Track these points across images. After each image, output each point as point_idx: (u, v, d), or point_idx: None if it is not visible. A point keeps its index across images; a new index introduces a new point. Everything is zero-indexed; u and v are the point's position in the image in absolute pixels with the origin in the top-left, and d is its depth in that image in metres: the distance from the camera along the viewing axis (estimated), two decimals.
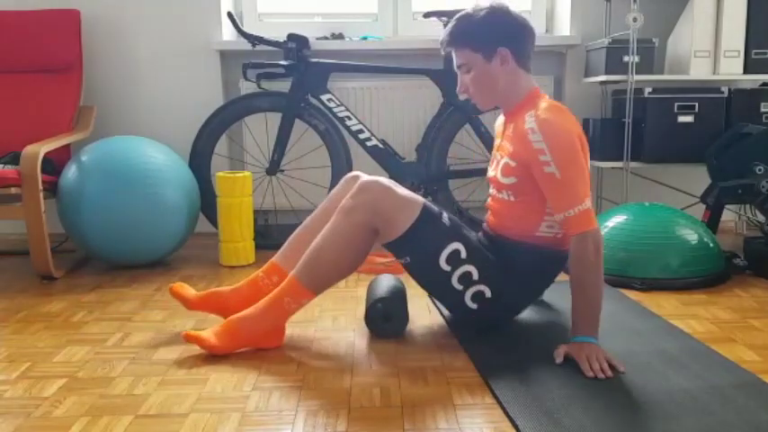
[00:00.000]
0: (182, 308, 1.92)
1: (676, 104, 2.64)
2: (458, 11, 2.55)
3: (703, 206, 2.44)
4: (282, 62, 2.55)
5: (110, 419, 1.25)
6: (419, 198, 1.56)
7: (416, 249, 1.55)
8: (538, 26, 3.04)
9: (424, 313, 1.86)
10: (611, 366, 1.42)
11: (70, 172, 2.28)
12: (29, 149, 2.16)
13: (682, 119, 2.65)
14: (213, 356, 1.55)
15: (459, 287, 1.57)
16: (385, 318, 1.66)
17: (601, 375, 1.38)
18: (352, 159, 2.65)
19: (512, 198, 1.59)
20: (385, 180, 1.55)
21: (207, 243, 2.79)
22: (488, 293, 1.58)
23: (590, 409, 1.25)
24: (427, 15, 2.59)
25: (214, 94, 2.87)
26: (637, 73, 2.60)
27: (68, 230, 2.31)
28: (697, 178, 3.03)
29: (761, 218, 2.74)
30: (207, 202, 2.60)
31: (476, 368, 1.47)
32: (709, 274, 2.08)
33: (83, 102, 2.82)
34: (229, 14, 2.52)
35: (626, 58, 2.62)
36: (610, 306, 1.86)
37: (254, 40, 2.52)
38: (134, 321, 1.81)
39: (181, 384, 1.40)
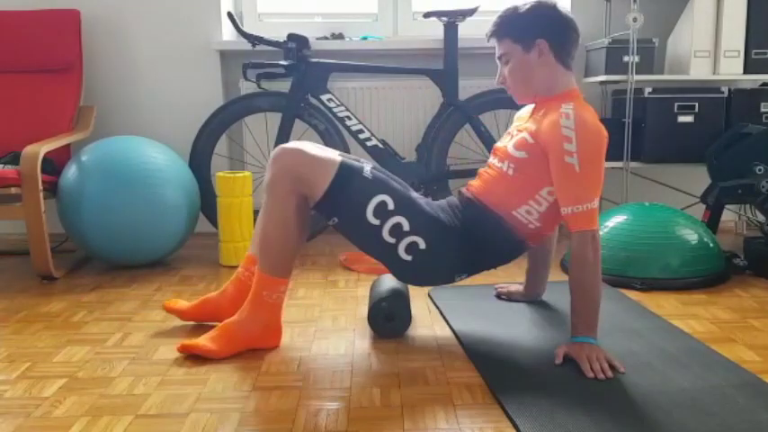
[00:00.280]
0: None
1: (676, 104, 2.64)
2: (458, 11, 2.56)
3: (703, 206, 2.44)
4: (282, 62, 2.54)
5: (110, 419, 1.25)
6: (336, 155, 1.53)
7: (341, 207, 1.51)
8: None
9: (424, 313, 1.86)
10: (612, 366, 1.42)
11: (70, 172, 2.28)
12: (29, 149, 2.16)
13: (682, 119, 2.65)
14: (211, 357, 1.55)
15: (392, 240, 1.53)
16: (388, 317, 1.66)
17: (601, 376, 1.38)
18: None
19: (510, 171, 1.57)
20: (296, 143, 1.52)
21: (207, 243, 2.79)
22: (422, 245, 1.54)
23: (590, 409, 1.25)
24: (427, 15, 2.59)
25: (214, 94, 2.87)
26: (637, 73, 2.60)
27: (68, 230, 2.31)
28: (697, 178, 3.03)
29: (761, 218, 2.74)
30: (207, 202, 2.60)
31: (476, 368, 1.47)
32: (709, 274, 2.08)
33: (83, 102, 2.82)
34: (229, 14, 2.52)
35: (626, 58, 2.62)
36: (610, 306, 1.87)
37: (254, 40, 2.52)
38: (134, 321, 1.81)
39: (181, 384, 1.40)
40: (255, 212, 2.67)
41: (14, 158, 2.36)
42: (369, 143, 2.59)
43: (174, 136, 2.87)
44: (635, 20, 2.51)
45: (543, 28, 1.55)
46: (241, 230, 2.38)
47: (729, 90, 2.66)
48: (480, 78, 2.87)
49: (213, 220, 2.63)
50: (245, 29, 2.94)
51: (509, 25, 1.57)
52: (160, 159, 2.32)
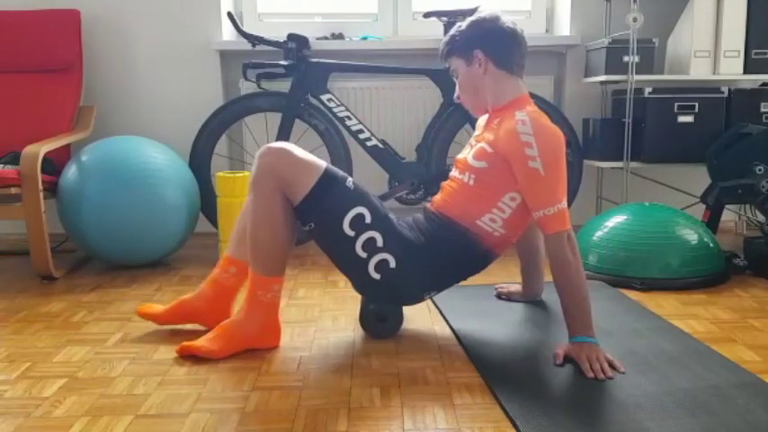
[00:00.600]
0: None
1: (676, 104, 2.64)
2: (458, 11, 2.56)
3: (703, 206, 2.44)
4: (282, 62, 2.54)
5: (110, 419, 1.25)
6: (321, 161, 1.54)
7: (319, 213, 1.51)
8: (538, 26, 3.05)
9: (423, 313, 1.86)
10: (612, 366, 1.43)
11: (70, 172, 2.28)
12: (29, 149, 2.16)
13: (682, 119, 2.65)
14: (211, 358, 1.55)
15: (363, 254, 1.54)
16: (378, 318, 1.66)
17: (601, 376, 1.38)
18: (351, 159, 2.65)
19: (471, 182, 1.59)
20: (283, 144, 1.52)
21: (207, 243, 2.79)
22: (392, 263, 1.55)
23: (590, 410, 1.25)
24: (427, 15, 2.59)
25: (214, 94, 2.87)
26: (637, 73, 2.60)
27: (68, 230, 2.31)
28: (697, 178, 3.03)
29: (761, 218, 2.74)
30: (207, 202, 2.60)
31: (476, 368, 1.47)
32: (709, 274, 2.08)
33: (83, 102, 2.82)
34: (229, 14, 2.52)
35: (626, 58, 2.62)
36: (610, 306, 1.87)
37: (254, 40, 2.52)
38: (134, 321, 1.81)
39: (181, 384, 1.40)
40: (212, 219, 2.66)
41: (14, 158, 2.36)
42: (369, 143, 2.59)
43: (174, 136, 2.87)
44: (635, 20, 2.51)
45: (479, 40, 1.59)
46: None
47: (729, 90, 2.66)
48: None
49: (213, 220, 2.63)
50: (245, 29, 2.94)
51: (453, 43, 1.63)
52: (160, 159, 2.32)
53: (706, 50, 2.65)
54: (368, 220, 1.54)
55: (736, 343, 1.61)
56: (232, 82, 2.93)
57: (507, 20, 1.60)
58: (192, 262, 2.48)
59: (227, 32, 2.89)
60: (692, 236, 2.09)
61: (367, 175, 2.88)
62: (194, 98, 2.87)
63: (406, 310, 1.87)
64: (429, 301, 1.96)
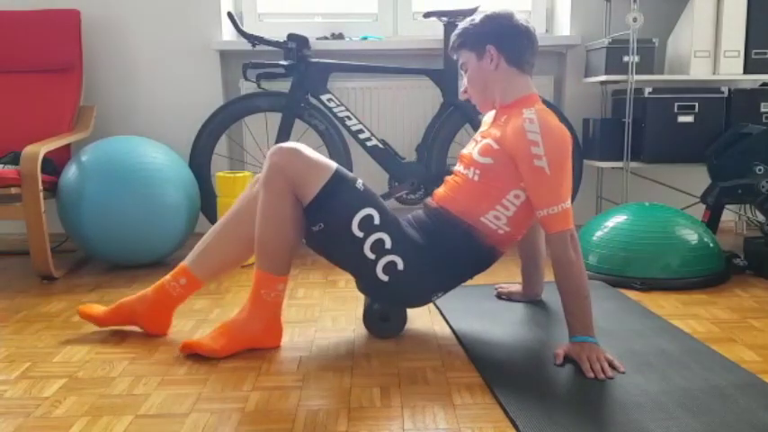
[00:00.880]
0: (182, 308, 1.92)
1: (676, 104, 2.64)
2: (458, 11, 2.56)
3: (703, 206, 2.44)
4: (282, 62, 2.54)
5: (110, 419, 1.25)
6: (331, 162, 1.54)
7: (329, 214, 1.51)
8: (538, 26, 3.05)
9: (423, 313, 1.86)
10: (612, 366, 1.43)
11: (70, 172, 2.28)
12: (29, 149, 2.16)
13: (682, 119, 2.65)
14: (212, 357, 1.55)
15: (372, 256, 1.54)
16: (383, 318, 1.66)
17: (601, 376, 1.38)
18: (351, 159, 2.65)
19: (475, 177, 1.59)
20: (294, 144, 1.53)
21: None
22: (401, 265, 1.55)
23: (590, 410, 1.25)
24: (427, 15, 2.59)
25: (214, 94, 2.87)
26: (637, 73, 2.60)
27: (68, 230, 2.31)
28: (697, 178, 3.03)
29: (761, 218, 2.74)
30: (207, 202, 2.60)
31: (476, 368, 1.47)
32: (710, 274, 2.08)
33: (83, 102, 2.82)
34: (229, 14, 2.52)
35: (626, 58, 2.62)
36: (610, 306, 1.87)
37: (254, 40, 2.52)
38: None
39: (181, 384, 1.40)
40: (212, 219, 2.64)
41: (14, 158, 2.36)
42: (369, 143, 2.59)
43: (174, 136, 2.87)
44: (635, 20, 2.51)
45: (493, 35, 1.59)
46: None
47: (729, 90, 2.66)
48: None
49: (213, 220, 2.63)
50: (245, 29, 2.94)
51: (465, 36, 1.62)
52: (160, 159, 2.32)
53: (706, 50, 2.65)
54: (377, 221, 1.54)
55: (736, 343, 1.61)
56: (232, 82, 2.93)
57: (521, 17, 1.60)
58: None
59: (227, 32, 2.89)
60: (692, 236, 2.09)
61: (367, 175, 2.88)
62: (194, 98, 2.87)
63: (409, 310, 1.87)
64: None
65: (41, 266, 2.19)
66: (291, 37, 2.54)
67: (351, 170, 2.63)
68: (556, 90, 2.98)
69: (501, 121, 1.59)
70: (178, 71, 2.85)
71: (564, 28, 2.94)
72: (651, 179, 3.01)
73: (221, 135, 2.64)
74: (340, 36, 2.89)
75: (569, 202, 1.49)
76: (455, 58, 1.67)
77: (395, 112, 2.90)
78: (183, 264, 1.67)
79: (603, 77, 2.64)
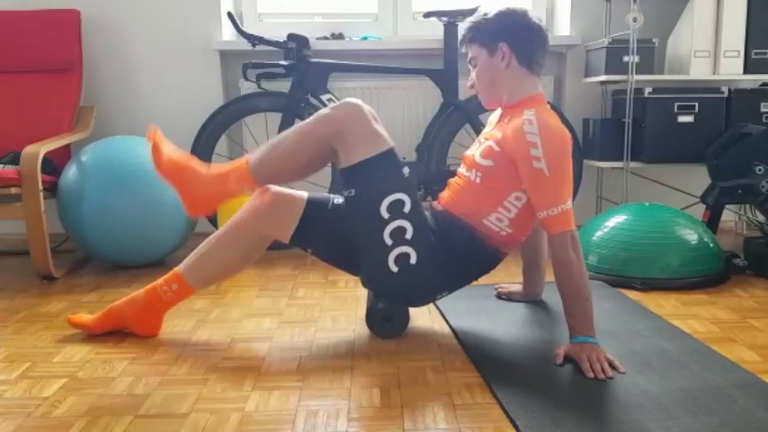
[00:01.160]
0: (181, 308, 1.92)
1: (676, 104, 2.64)
2: (458, 11, 2.56)
3: (703, 206, 2.44)
4: (282, 62, 2.54)
5: (110, 419, 1.25)
6: (390, 141, 1.56)
7: (365, 184, 1.53)
8: None
9: (424, 313, 1.86)
10: (612, 366, 1.42)
11: (70, 172, 2.28)
12: (29, 149, 2.16)
13: (682, 119, 2.65)
14: (212, 357, 1.55)
15: (389, 242, 1.54)
16: (385, 317, 1.66)
17: (601, 376, 1.38)
18: None
19: (478, 180, 1.59)
20: (366, 108, 1.55)
21: None
22: (413, 259, 1.55)
23: (590, 409, 1.25)
24: (427, 15, 2.59)
25: (214, 94, 2.87)
26: (637, 73, 2.60)
27: (68, 230, 2.31)
28: (697, 178, 3.03)
29: (761, 218, 2.74)
30: None
31: (476, 368, 1.47)
32: (709, 274, 2.08)
33: (83, 102, 2.82)
34: (229, 14, 2.52)
35: (626, 58, 2.62)
36: (610, 306, 1.87)
37: (254, 40, 2.52)
38: None
39: (181, 384, 1.40)
40: (212, 220, 2.64)
41: (14, 158, 2.36)
42: None
43: (174, 136, 2.87)
44: (635, 20, 2.51)
45: (507, 32, 1.57)
46: None
47: (729, 90, 2.66)
48: None
49: (213, 220, 2.63)
50: (245, 29, 2.94)
51: (477, 30, 1.60)
52: None
53: (706, 50, 2.65)
54: (406, 209, 1.54)
55: (736, 343, 1.61)
56: (232, 82, 2.93)
57: (534, 16, 1.59)
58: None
59: (227, 32, 2.89)
60: (692, 236, 2.09)
61: None
62: (194, 98, 2.87)
63: (409, 309, 1.87)
64: None
65: (41, 266, 2.19)
66: (291, 37, 2.54)
67: None
68: (556, 90, 2.99)
69: (504, 122, 1.59)
70: (178, 71, 2.85)
71: (564, 28, 2.94)
72: (651, 179, 3.01)
73: (221, 135, 2.64)
74: (340, 36, 2.89)
75: (570, 203, 1.48)
76: (463, 50, 1.66)
77: (395, 112, 2.90)
78: (177, 270, 1.66)
79: (603, 77, 2.64)
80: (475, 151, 1.63)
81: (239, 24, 2.62)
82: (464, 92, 2.73)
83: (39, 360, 1.55)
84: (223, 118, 2.62)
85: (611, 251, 2.11)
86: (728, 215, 3.01)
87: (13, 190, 2.16)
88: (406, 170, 1.57)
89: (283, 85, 2.78)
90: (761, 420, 1.20)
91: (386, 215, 1.53)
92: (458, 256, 1.61)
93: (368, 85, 2.86)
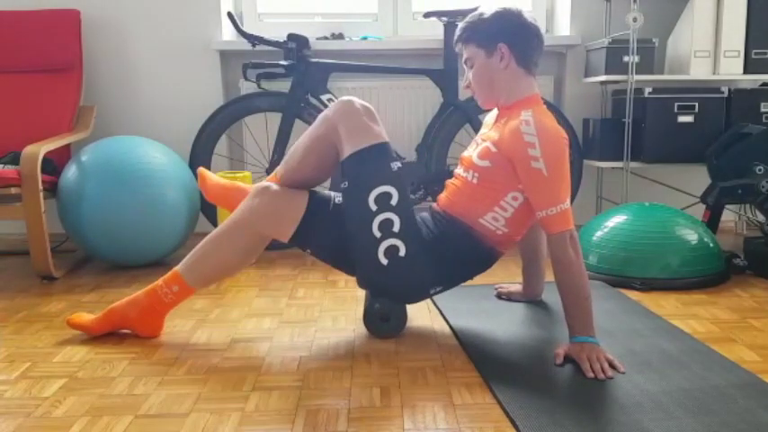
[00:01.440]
0: (181, 308, 1.92)
1: (676, 104, 2.64)
2: (458, 11, 2.56)
3: (703, 206, 2.44)
4: (282, 62, 2.54)
5: (110, 419, 1.25)
6: (384, 136, 1.58)
7: (355, 175, 1.55)
8: None
9: (423, 313, 1.86)
10: (612, 366, 1.43)
11: (70, 172, 2.28)
12: (29, 149, 2.16)
13: (682, 119, 2.65)
14: (212, 357, 1.55)
15: (378, 234, 1.55)
16: (383, 318, 1.66)
17: (601, 376, 1.38)
18: None
19: (474, 180, 1.59)
20: (359, 104, 1.57)
21: None
22: (402, 251, 1.56)
23: (590, 409, 1.25)
24: (427, 15, 2.59)
25: (214, 94, 2.87)
26: (637, 73, 2.60)
27: (68, 230, 2.31)
28: (697, 178, 3.03)
29: (761, 218, 2.74)
30: (207, 202, 2.60)
31: (476, 368, 1.47)
32: (709, 274, 2.08)
33: (83, 102, 2.82)
34: (229, 14, 2.52)
35: (626, 58, 2.62)
36: (610, 306, 1.87)
37: (254, 40, 2.52)
38: None
39: (181, 384, 1.40)
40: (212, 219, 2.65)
41: (14, 158, 2.36)
42: None
43: (174, 136, 2.87)
44: (635, 20, 2.51)
45: (505, 33, 1.57)
46: None
47: (729, 90, 2.66)
48: None
49: (213, 220, 2.63)
50: (245, 29, 2.94)
51: (473, 30, 1.60)
52: (160, 159, 2.32)
53: (706, 50, 2.65)
54: (393, 201, 1.55)
55: (736, 343, 1.61)
56: (232, 82, 2.93)
57: (530, 16, 1.60)
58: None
59: (227, 32, 2.89)
60: (692, 236, 2.09)
61: None
62: (194, 98, 2.87)
63: (408, 309, 1.87)
64: (429, 301, 1.95)
65: (41, 266, 2.19)
66: (291, 37, 2.54)
67: None
68: (556, 90, 2.98)
69: (501, 123, 1.60)
70: (178, 71, 2.85)
71: (564, 28, 2.94)
72: (651, 179, 3.01)
73: (221, 135, 2.64)
74: (340, 36, 2.89)
75: (568, 202, 1.49)
76: (458, 50, 1.66)
77: (395, 112, 2.90)
78: (177, 270, 1.65)
79: (603, 77, 2.64)
80: (472, 152, 1.64)
81: (239, 24, 2.62)
82: (464, 92, 2.73)
83: (39, 360, 1.55)
84: (223, 118, 2.62)
85: (611, 251, 2.11)
86: (728, 215, 3.01)
87: (13, 190, 2.16)
88: (395, 165, 1.57)
89: (283, 85, 2.78)
90: (761, 420, 1.20)
91: (373, 207, 1.55)
92: (453, 254, 1.61)
93: (368, 85, 2.86)
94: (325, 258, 1.66)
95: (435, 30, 2.98)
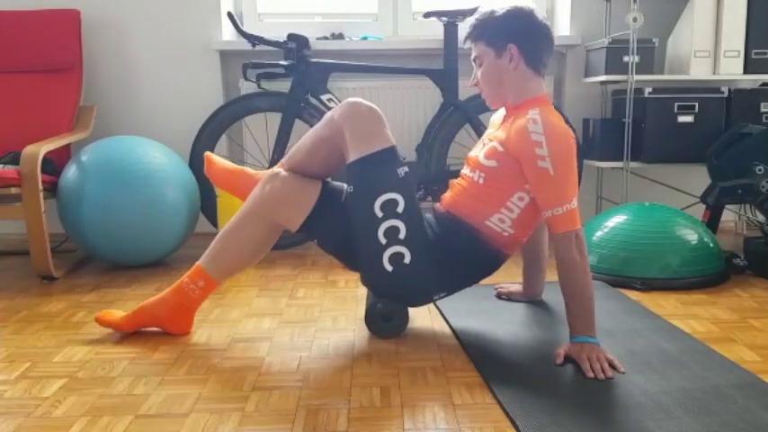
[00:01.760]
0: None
1: (676, 104, 2.64)
2: (458, 11, 2.56)
3: (703, 206, 2.44)
4: (282, 62, 2.54)
5: (110, 419, 1.25)
6: (391, 140, 1.56)
7: (361, 181, 1.54)
8: None
9: (424, 313, 1.86)
10: (612, 366, 1.42)
11: (70, 172, 2.28)
12: (29, 149, 2.16)
13: (682, 119, 2.65)
14: (212, 357, 1.55)
15: (383, 240, 1.54)
16: (384, 318, 1.66)
17: (601, 376, 1.38)
18: None
19: (481, 181, 1.58)
20: (366, 107, 1.55)
21: (207, 243, 2.78)
22: (407, 258, 1.55)
23: (590, 409, 1.25)
24: (427, 15, 2.59)
25: (214, 94, 2.87)
26: (637, 73, 2.60)
27: (68, 230, 2.31)
28: (697, 178, 3.03)
29: (761, 218, 2.74)
30: (207, 202, 2.60)
31: (476, 368, 1.47)
32: (709, 274, 2.08)
33: (83, 102, 2.82)
34: (229, 14, 2.52)
35: (626, 58, 2.62)
36: (610, 306, 1.87)
37: (254, 40, 2.52)
38: None
39: (181, 384, 1.40)
40: (212, 219, 2.65)
41: (14, 158, 2.36)
42: None
43: (174, 136, 2.87)
44: (635, 20, 2.51)
45: (515, 33, 1.56)
46: None
47: (729, 90, 2.66)
48: None
49: (213, 220, 2.63)
50: (245, 29, 2.94)
51: (483, 29, 1.59)
52: (160, 159, 2.32)
53: (706, 50, 2.65)
54: (399, 209, 1.54)
55: (736, 343, 1.61)
56: (232, 82, 2.93)
57: (541, 16, 1.58)
58: (192, 262, 2.47)
59: (227, 32, 2.89)
60: (692, 236, 2.09)
61: None
62: (194, 98, 2.87)
63: (410, 310, 1.87)
64: None
65: (41, 266, 2.19)
66: (291, 37, 2.54)
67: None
68: (556, 90, 2.98)
69: (508, 123, 1.59)
70: (178, 71, 2.85)
71: (564, 28, 2.94)
72: (651, 179, 3.01)
73: (221, 135, 2.64)
74: (340, 36, 2.89)
75: (575, 202, 1.48)
76: (467, 47, 1.65)
77: (395, 112, 2.90)
78: (199, 264, 1.66)
79: (603, 77, 2.64)
80: (478, 152, 1.63)
81: (239, 24, 2.62)
82: (464, 92, 2.73)
83: (39, 360, 1.55)
84: (223, 118, 2.62)
85: (611, 251, 2.11)
86: (728, 215, 3.01)
87: (13, 190, 2.16)
88: (402, 170, 1.56)
89: (283, 85, 2.78)
90: (761, 420, 1.20)
91: (379, 214, 1.54)
92: (458, 257, 1.60)
93: (368, 85, 2.86)
94: (331, 251, 1.65)
95: (435, 30, 2.98)
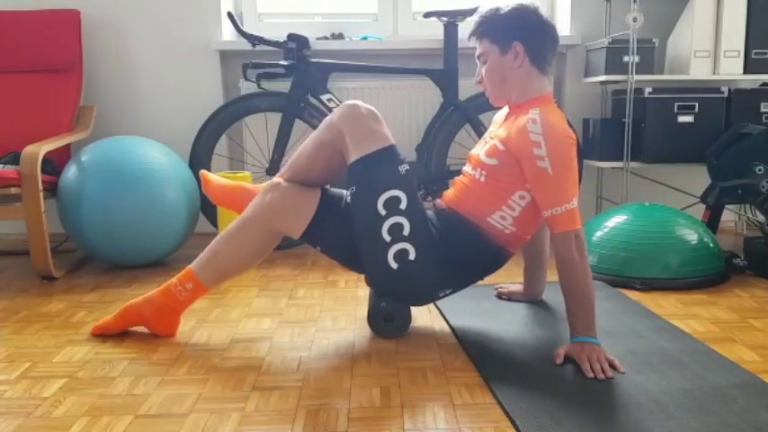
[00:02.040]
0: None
1: (676, 104, 2.64)
2: (458, 11, 2.56)
3: (703, 206, 2.44)
4: (282, 62, 2.54)
5: (110, 419, 1.25)
6: (391, 139, 1.56)
7: (362, 181, 1.54)
8: None
9: (424, 313, 1.86)
10: (612, 366, 1.42)
11: (70, 172, 2.28)
12: (29, 149, 2.16)
13: (682, 119, 2.65)
14: (212, 357, 1.55)
15: (387, 238, 1.54)
16: (387, 318, 1.66)
17: (601, 376, 1.38)
18: None
19: (482, 178, 1.59)
20: (364, 108, 1.55)
21: (207, 243, 2.77)
22: (412, 255, 1.55)
23: (590, 409, 1.25)
24: (427, 15, 2.59)
25: (214, 94, 2.87)
26: (637, 73, 2.60)
27: (68, 230, 2.31)
28: (697, 178, 3.03)
29: (761, 218, 2.74)
30: (207, 202, 2.60)
31: (476, 368, 1.47)
32: (709, 274, 2.08)
33: (83, 102, 2.82)
34: (229, 14, 2.52)
35: (626, 58, 2.62)
36: (610, 306, 1.87)
37: (254, 40, 2.52)
38: None
39: (181, 384, 1.40)
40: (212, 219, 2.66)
41: (14, 158, 2.36)
42: None
43: (174, 136, 2.87)
44: (635, 20, 2.51)
45: (521, 31, 1.56)
46: None
47: (729, 90, 2.66)
48: None
49: (213, 220, 2.63)
50: (245, 29, 2.94)
51: (488, 26, 1.59)
52: (160, 159, 2.32)
53: (706, 50, 2.65)
54: (402, 205, 1.54)
55: (736, 343, 1.61)
56: (232, 82, 2.93)
57: (546, 14, 1.58)
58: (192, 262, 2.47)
59: (227, 32, 2.89)
60: (692, 236, 2.09)
61: None
62: (194, 98, 2.87)
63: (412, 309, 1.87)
64: None
65: (41, 266, 2.19)
66: (291, 37, 2.54)
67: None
68: (556, 90, 2.98)
69: (510, 121, 1.59)
70: (178, 71, 2.85)
71: (564, 28, 2.94)
72: (651, 179, 3.01)
73: (221, 135, 2.64)
74: (340, 36, 2.89)
75: (575, 202, 1.48)
76: (472, 44, 1.64)
77: (395, 112, 2.90)
78: (191, 268, 1.65)
79: (603, 77, 2.64)
80: (480, 150, 1.63)
81: (239, 24, 2.62)
82: (464, 92, 2.73)
83: (39, 360, 1.55)
84: (223, 118, 2.62)
85: (611, 251, 2.11)
86: (728, 215, 3.01)
87: (13, 190, 2.16)
88: (403, 167, 1.56)
89: (283, 85, 2.78)
90: (761, 420, 1.20)
91: (383, 212, 1.54)
92: (461, 254, 1.60)
93: (368, 85, 2.86)
94: (334, 256, 1.65)
95: (435, 30, 2.98)
